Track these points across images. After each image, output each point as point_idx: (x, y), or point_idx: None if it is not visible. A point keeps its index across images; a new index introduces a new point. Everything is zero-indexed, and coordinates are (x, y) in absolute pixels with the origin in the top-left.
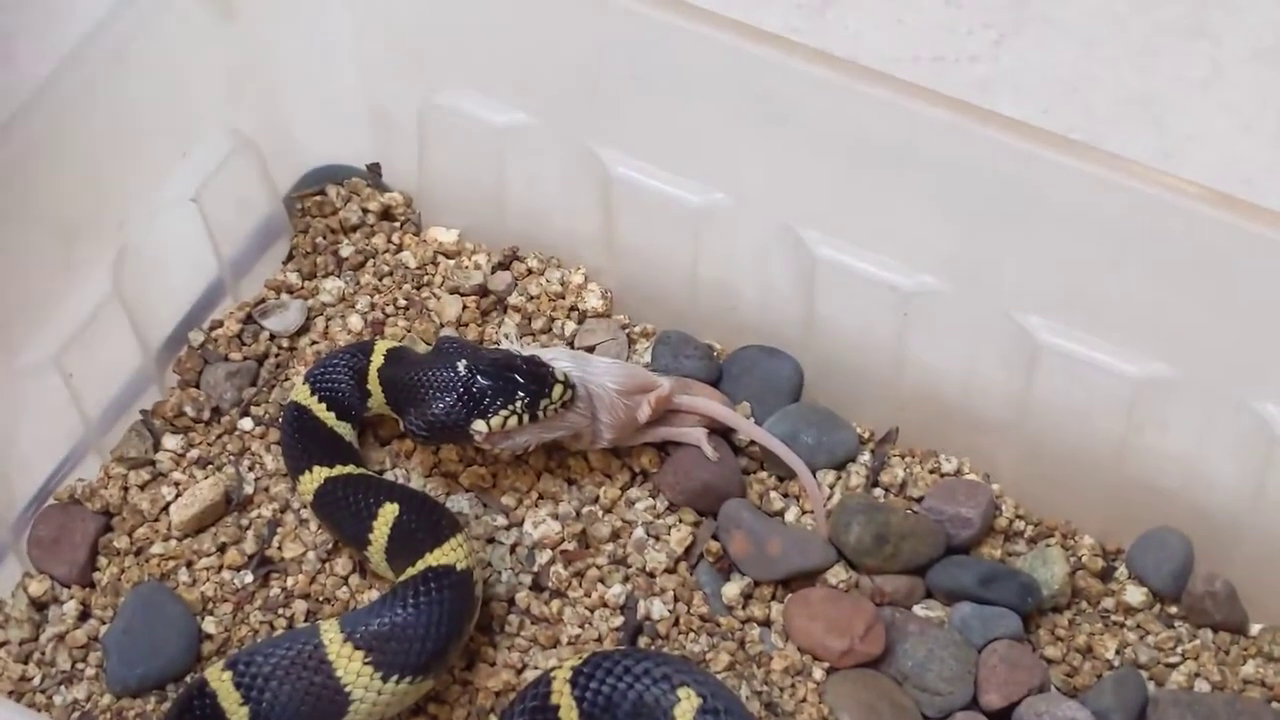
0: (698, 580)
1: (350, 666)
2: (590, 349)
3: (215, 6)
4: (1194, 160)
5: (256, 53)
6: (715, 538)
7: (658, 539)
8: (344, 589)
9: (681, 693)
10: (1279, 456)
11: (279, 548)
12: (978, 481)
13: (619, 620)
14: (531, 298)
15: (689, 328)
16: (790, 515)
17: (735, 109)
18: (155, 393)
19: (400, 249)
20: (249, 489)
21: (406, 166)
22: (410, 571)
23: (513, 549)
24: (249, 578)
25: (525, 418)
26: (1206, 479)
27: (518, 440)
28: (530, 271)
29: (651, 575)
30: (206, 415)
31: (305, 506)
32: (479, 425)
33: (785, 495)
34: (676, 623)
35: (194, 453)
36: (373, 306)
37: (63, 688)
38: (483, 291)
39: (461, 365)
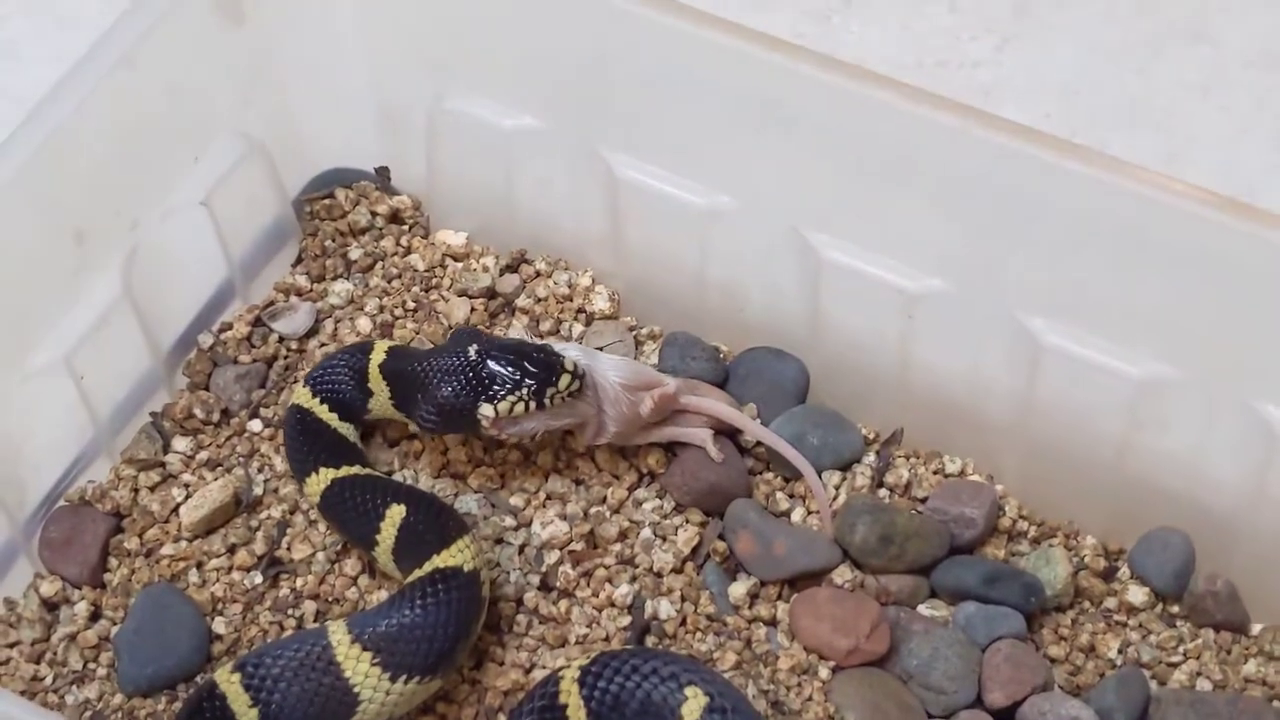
0: (704, 580)
1: (358, 667)
2: (598, 350)
3: (226, 11)
4: (1195, 163)
5: (266, 57)
6: (722, 538)
7: (665, 539)
8: (353, 589)
9: (689, 691)
10: None
11: (288, 549)
12: (981, 482)
13: (626, 620)
14: (539, 300)
15: (696, 330)
16: (796, 516)
17: (742, 113)
18: (165, 395)
19: (409, 252)
20: (258, 490)
21: (415, 170)
22: (418, 572)
23: (521, 549)
24: (258, 578)
25: (532, 404)
26: (1208, 479)
27: (524, 427)
28: (538, 274)
29: (659, 575)
30: (216, 417)
31: (313, 508)
32: (486, 409)
33: (791, 496)
34: (683, 622)
35: (203, 454)
36: (381, 309)
37: (74, 687)
38: (491, 294)
39: (473, 350)
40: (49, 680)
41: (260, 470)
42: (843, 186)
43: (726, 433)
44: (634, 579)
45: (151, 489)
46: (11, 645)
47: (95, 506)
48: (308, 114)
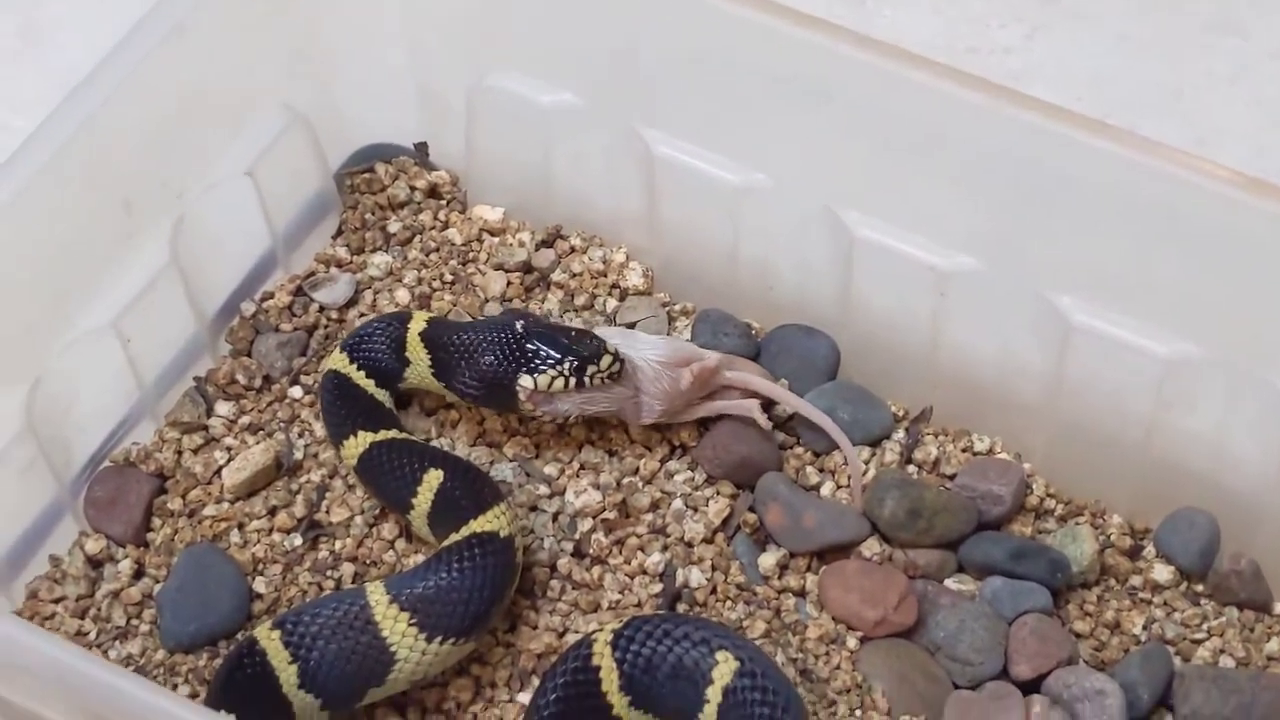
0: (734, 551)
1: (396, 627)
2: (631, 326)
3: None
4: (1221, 153)
5: (311, 31)
6: (752, 510)
7: (696, 510)
8: (390, 553)
9: (720, 656)
10: None
11: (327, 512)
12: (1009, 460)
13: (658, 587)
14: (574, 275)
15: (728, 307)
16: (826, 489)
17: (778, 91)
18: (208, 360)
19: (446, 226)
20: (299, 455)
21: (454, 145)
22: (455, 537)
23: (555, 517)
24: (298, 540)
25: (572, 381)
26: (1233, 459)
27: (560, 406)
28: (573, 249)
29: (690, 545)
30: (258, 383)
31: (350, 472)
32: (525, 381)
33: (821, 470)
34: (714, 591)
35: (245, 419)
36: (419, 281)
37: (117, 643)
38: (526, 268)
39: (518, 325)
40: (93, 635)
41: (300, 435)
42: (875, 164)
43: (762, 406)
44: (665, 548)
45: (194, 451)
46: (57, 601)
47: (139, 468)
48: (350, 89)
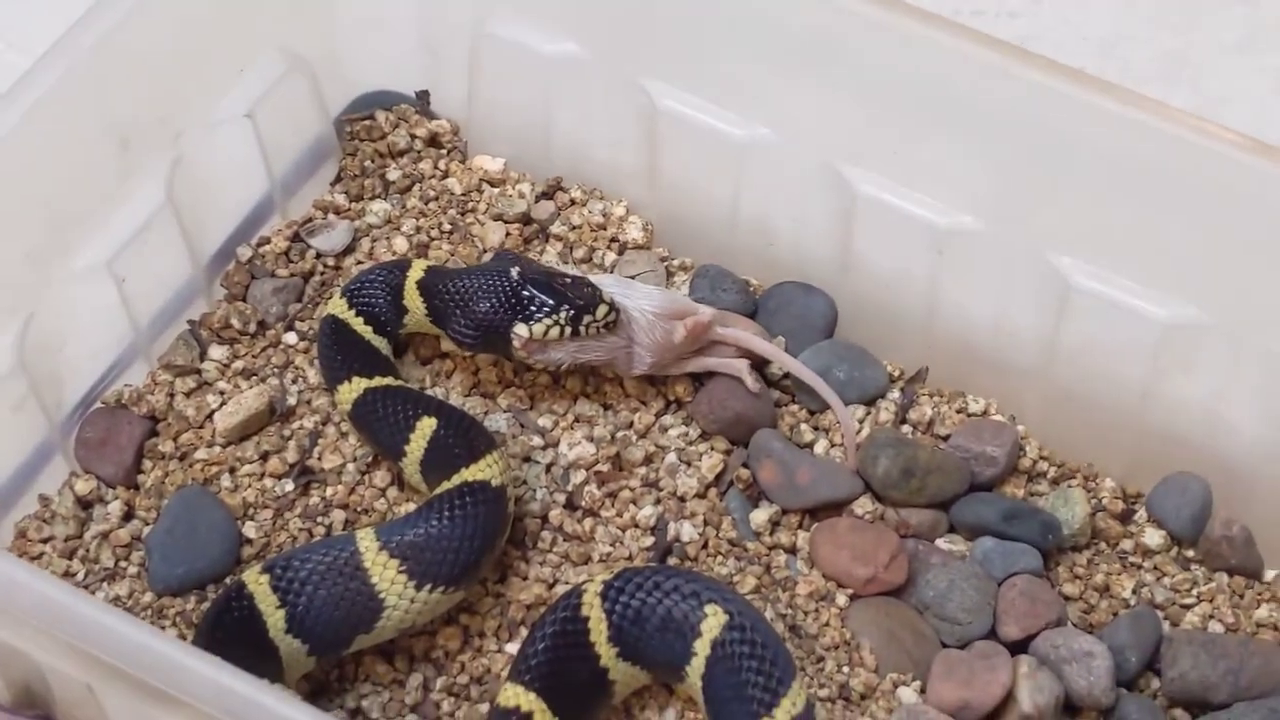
0: (727, 506)
1: (385, 574)
2: (630, 279)
3: None
4: (1228, 120)
5: None
6: (746, 466)
7: (689, 465)
8: (381, 500)
9: (709, 609)
10: None
11: (319, 458)
12: (1004, 422)
13: (649, 540)
14: (574, 227)
15: (727, 263)
16: (820, 447)
17: (782, 46)
18: (203, 304)
19: (446, 175)
20: (292, 401)
21: (455, 94)
22: (446, 485)
23: (548, 468)
24: (289, 486)
25: (567, 330)
26: (1229, 424)
27: (554, 355)
28: (573, 202)
29: (682, 499)
30: (252, 328)
31: (344, 418)
32: (520, 329)
33: (816, 428)
34: (705, 545)
35: (239, 364)
36: (418, 230)
37: (105, 584)
38: (526, 220)
39: (514, 271)
40: (80, 576)
41: (294, 381)
42: (879, 121)
43: (755, 364)
44: (658, 501)
45: (187, 394)
46: (45, 540)
47: (131, 409)
48: (353, 35)
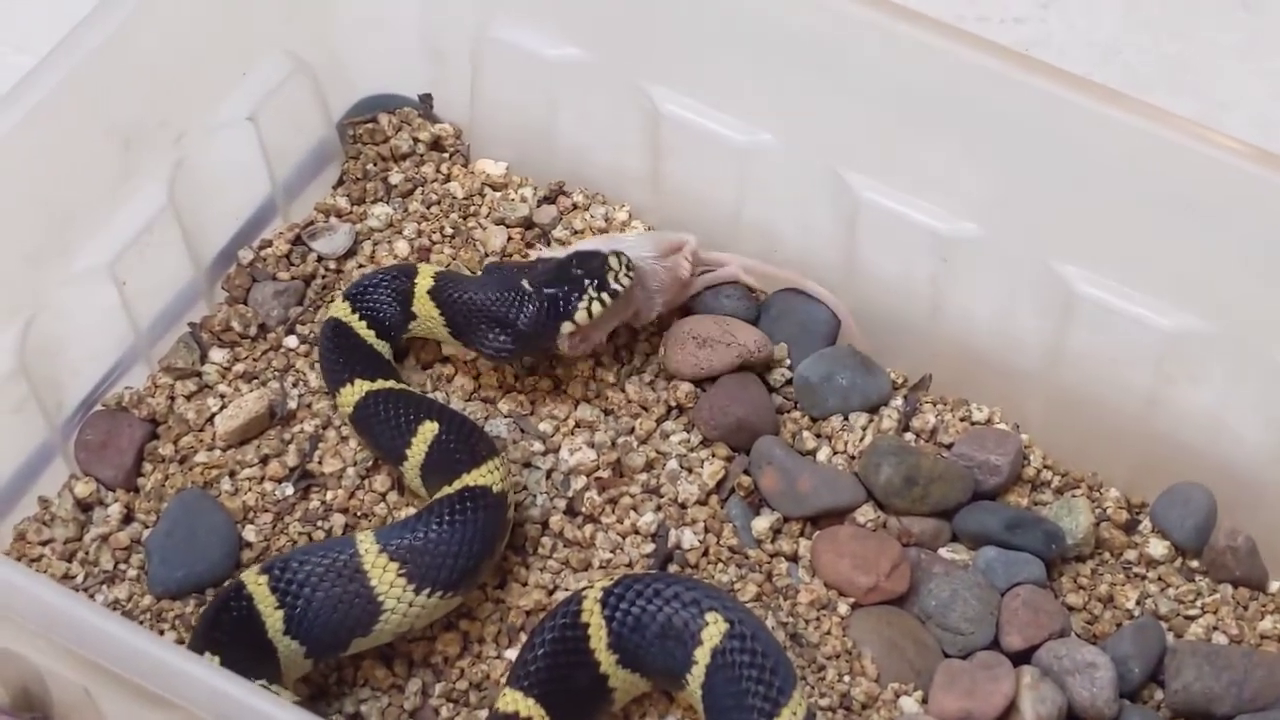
0: (728, 513)
1: (384, 577)
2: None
3: None
4: (1231, 126)
5: None
6: (747, 473)
7: (690, 471)
8: (381, 505)
9: (709, 617)
10: None
11: (319, 462)
12: (1007, 431)
13: (650, 547)
14: (576, 232)
15: None
16: (822, 455)
17: (785, 50)
18: (204, 307)
19: (448, 179)
20: (292, 404)
21: (458, 98)
22: (447, 489)
23: (548, 474)
24: (289, 490)
25: (606, 299)
26: (1233, 435)
27: (594, 337)
28: (575, 206)
29: (683, 506)
30: (253, 331)
31: (344, 421)
32: (567, 325)
33: (818, 435)
34: (706, 553)
35: (239, 367)
36: (419, 233)
37: (105, 587)
38: (528, 224)
39: (524, 281)
40: (80, 579)
41: (295, 385)
42: (882, 127)
43: (756, 371)
44: (659, 508)
45: (188, 398)
46: (45, 543)
47: (132, 412)
48: (354, 37)
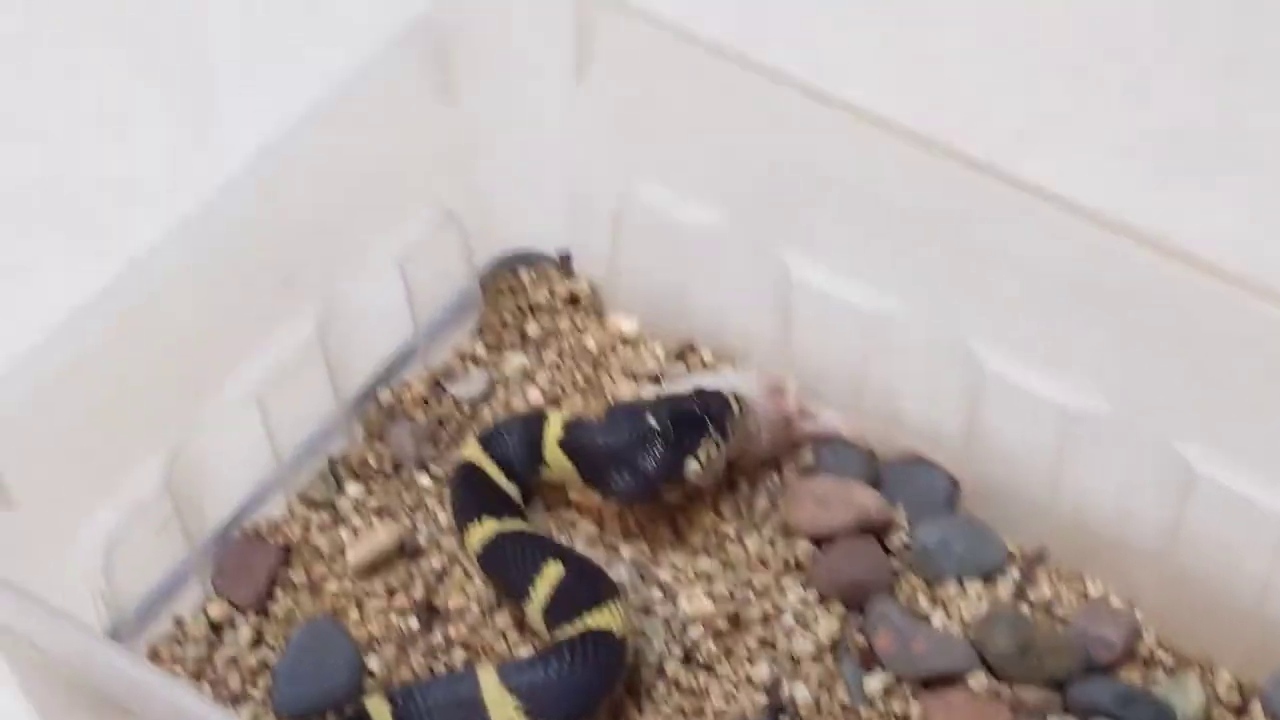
0: (841, 670)
1: (503, 711)
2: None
3: (440, 92)
4: None
5: (472, 136)
6: (861, 632)
7: (806, 627)
8: (502, 643)
9: None
10: None
11: (445, 598)
12: (1122, 608)
13: (762, 699)
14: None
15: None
16: (936, 620)
17: (920, 221)
18: (342, 441)
19: (583, 332)
20: (422, 540)
21: (596, 255)
22: (569, 629)
23: (666, 622)
24: (414, 622)
25: (723, 443)
26: None
27: (717, 467)
28: (704, 364)
29: (797, 661)
30: (388, 468)
31: (471, 559)
32: (693, 465)
33: (933, 600)
34: (818, 708)
35: (373, 501)
36: (552, 382)
37: (231, 706)
38: (657, 379)
39: (651, 420)
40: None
41: (425, 522)
42: (1012, 299)
43: (874, 533)
44: (773, 660)
45: (322, 528)
46: (176, 661)
47: (267, 539)
48: (502, 193)
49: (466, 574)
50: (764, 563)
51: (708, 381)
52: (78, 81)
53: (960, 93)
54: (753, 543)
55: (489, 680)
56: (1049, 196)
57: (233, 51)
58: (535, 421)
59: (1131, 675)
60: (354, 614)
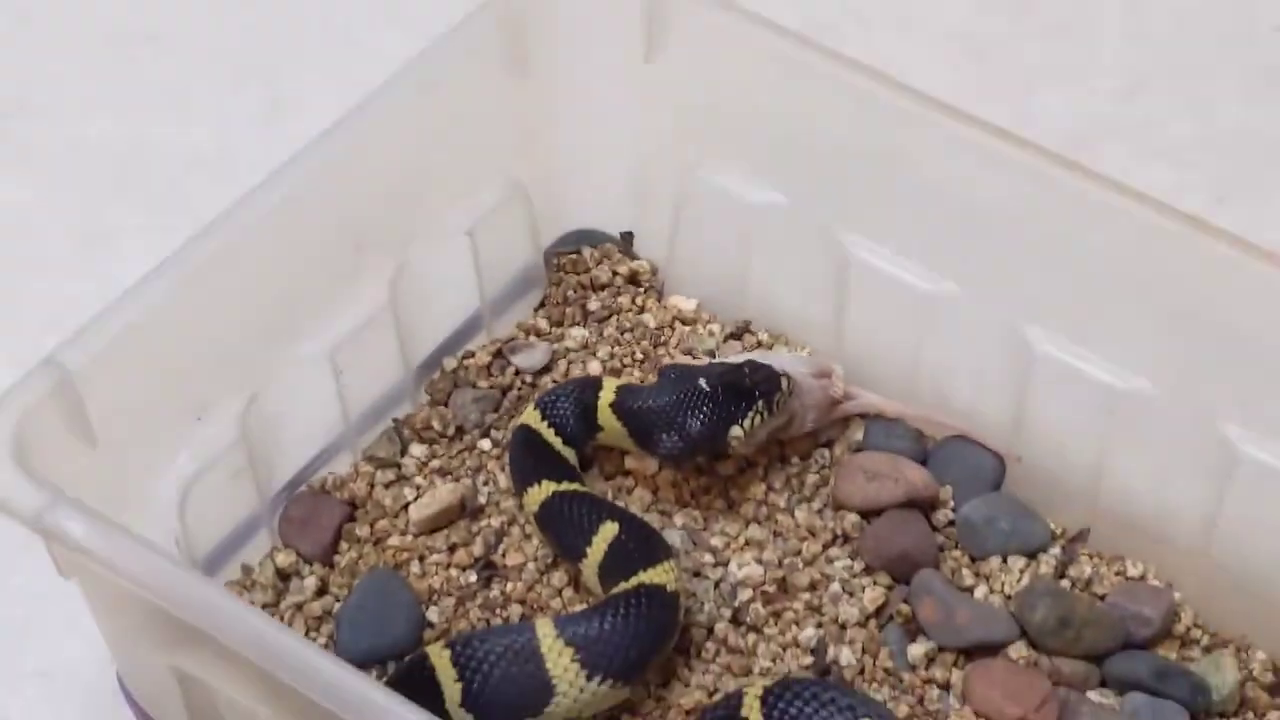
0: (885, 637)
1: (559, 661)
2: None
3: (513, 66)
4: None
5: (541, 112)
6: (906, 602)
7: (852, 595)
8: (557, 600)
9: None
10: None
11: (503, 555)
12: (1160, 587)
13: (808, 660)
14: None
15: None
16: (979, 593)
17: (976, 205)
18: (408, 405)
19: (642, 310)
20: (482, 500)
21: (658, 235)
22: (624, 585)
23: (716, 584)
24: (473, 578)
25: (768, 414)
26: None
27: (758, 438)
28: (759, 344)
29: (843, 626)
30: (451, 432)
31: (529, 520)
32: (736, 431)
33: (976, 574)
34: (862, 672)
35: (436, 463)
36: (611, 356)
37: None
38: (713, 357)
39: (702, 382)
40: None
41: (485, 483)
42: (1063, 283)
43: (921, 508)
44: (819, 625)
45: (386, 486)
46: None
47: (334, 494)
48: (570, 172)
49: (525, 534)
50: (813, 533)
51: (760, 357)
52: (160, 59)
53: (1019, 86)
54: (802, 514)
55: (546, 631)
56: (1104, 183)
57: (314, 26)
58: (590, 386)
59: (1168, 652)
60: (415, 568)
